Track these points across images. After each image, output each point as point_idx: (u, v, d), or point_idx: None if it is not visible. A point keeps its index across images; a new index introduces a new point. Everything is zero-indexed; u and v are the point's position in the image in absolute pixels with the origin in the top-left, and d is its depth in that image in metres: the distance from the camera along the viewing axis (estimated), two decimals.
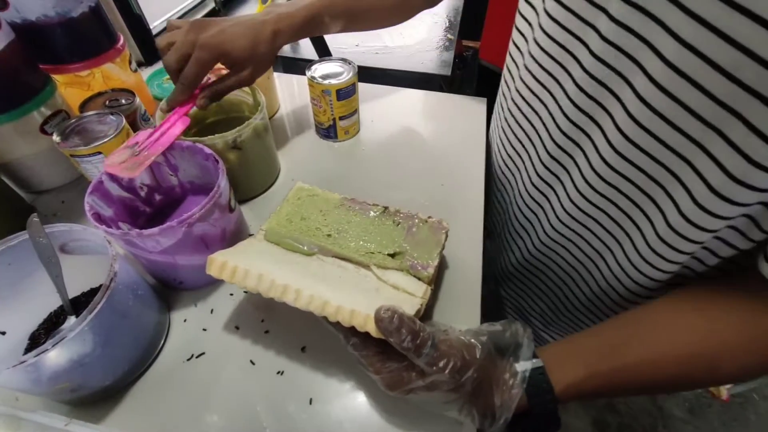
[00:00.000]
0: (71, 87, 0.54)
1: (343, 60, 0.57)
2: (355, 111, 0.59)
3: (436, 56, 1.01)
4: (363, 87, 0.66)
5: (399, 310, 0.28)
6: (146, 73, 0.65)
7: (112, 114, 0.47)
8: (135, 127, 0.52)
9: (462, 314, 0.41)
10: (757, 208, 0.27)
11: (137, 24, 0.74)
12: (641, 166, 0.31)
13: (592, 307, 0.46)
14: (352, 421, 0.35)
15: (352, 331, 0.31)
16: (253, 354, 0.38)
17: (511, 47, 0.45)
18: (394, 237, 0.40)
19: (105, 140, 0.44)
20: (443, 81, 0.98)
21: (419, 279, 0.38)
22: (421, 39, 1.07)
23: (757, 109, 0.23)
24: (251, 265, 0.34)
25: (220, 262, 0.34)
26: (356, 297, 0.33)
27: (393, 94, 0.70)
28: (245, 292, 0.43)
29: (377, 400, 0.36)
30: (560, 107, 0.37)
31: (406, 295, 0.36)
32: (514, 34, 0.44)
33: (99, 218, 0.37)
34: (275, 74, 0.67)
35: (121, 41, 0.57)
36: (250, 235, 0.47)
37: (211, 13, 1.04)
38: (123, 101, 0.52)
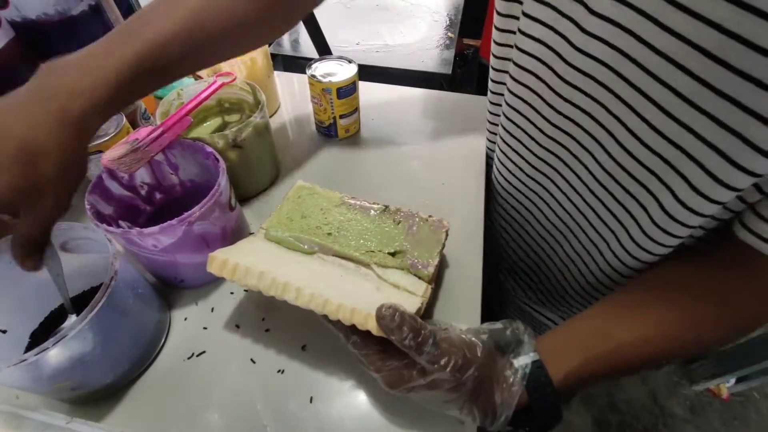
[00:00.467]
0: None
1: (344, 58, 0.57)
2: (356, 109, 0.59)
3: (436, 55, 1.01)
4: (363, 85, 0.66)
5: (400, 308, 0.28)
6: None
7: None
8: (135, 126, 0.52)
9: (462, 313, 0.41)
10: (749, 189, 0.28)
11: None
12: (640, 158, 0.31)
13: (590, 289, 0.46)
14: (352, 420, 0.35)
15: (352, 329, 0.31)
16: (253, 352, 0.38)
17: (500, 39, 0.44)
18: (394, 236, 0.40)
19: (105, 138, 0.44)
20: (444, 79, 0.98)
21: (420, 278, 0.38)
22: (421, 37, 1.06)
23: (749, 92, 0.23)
24: (252, 263, 0.34)
25: (221, 260, 0.34)
26: (357, 295, 0.33)
27: (393, 93, 0.70)
28: (246, 290, 0.43)
29: (378, 398, 0.36)
30: (546, 102, 0.37)
31: (407, 293, 0.36)
32: (503, 28, 0.42)
33: (99, 217, 0.37)
34: (275, 73, 0.67)
35: None
36: (251, 233, 0.47)
37: None
38: None
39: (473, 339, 0.31)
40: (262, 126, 0.48)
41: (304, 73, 0.55)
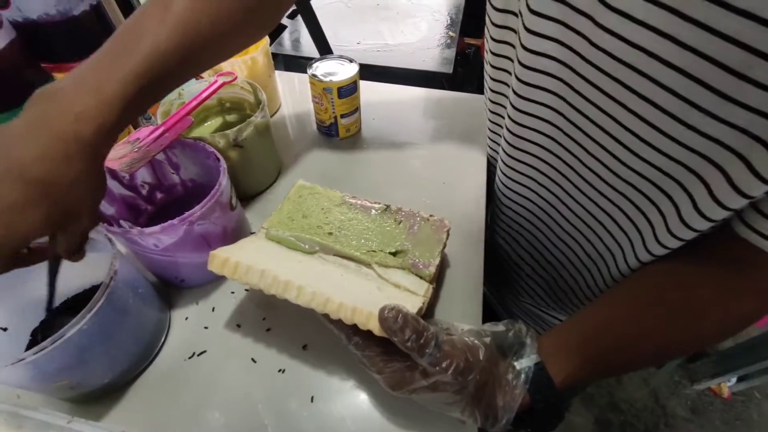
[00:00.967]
0: None
1: (345, 57, 0.57)
2: (357, 109, 0.59)
3: (437, 54, 1.01)
4: (364, 85, 0.66)
5: (403, 309, 0.28)
6: None
7: None
8: (136, 126, 0.52)
9: (463, 313, 0.41)
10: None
11: None
12: (654, 162, 0.31)
13: (598, 292, 0.46)
14: (353, 419, 0.35)
15: (353, 329, 0.30)
16: (254, 352, 0.38)
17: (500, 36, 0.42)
18: (395, 235, 0.40)
19: None
20: (445, 79, 0.98)
21: (421, 277, 0.37)
22: (422, 37, 1.06)
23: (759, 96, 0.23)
24: (253, 262, 0.34)
25: (222, 258, 0.34)
26: (358, 295, 0.33)
27: (394, 92, 0.69)
28: (246, 290, 0.43)
29: (379, 398, 0.36)
30: (565, 117, 0.36)
31: (408, 293, 0.36)
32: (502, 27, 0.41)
33: (100, 216, 0.37)
34: (276, 72, 0.67)
35: None
36: (252, 233, 0.47)
37: None
38: None
39: (475, 341, 0.30)
40: (263, 125, 0.48)
41: (305, 72, 0.55)
